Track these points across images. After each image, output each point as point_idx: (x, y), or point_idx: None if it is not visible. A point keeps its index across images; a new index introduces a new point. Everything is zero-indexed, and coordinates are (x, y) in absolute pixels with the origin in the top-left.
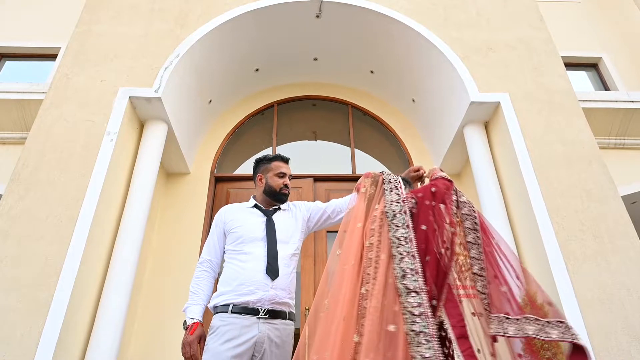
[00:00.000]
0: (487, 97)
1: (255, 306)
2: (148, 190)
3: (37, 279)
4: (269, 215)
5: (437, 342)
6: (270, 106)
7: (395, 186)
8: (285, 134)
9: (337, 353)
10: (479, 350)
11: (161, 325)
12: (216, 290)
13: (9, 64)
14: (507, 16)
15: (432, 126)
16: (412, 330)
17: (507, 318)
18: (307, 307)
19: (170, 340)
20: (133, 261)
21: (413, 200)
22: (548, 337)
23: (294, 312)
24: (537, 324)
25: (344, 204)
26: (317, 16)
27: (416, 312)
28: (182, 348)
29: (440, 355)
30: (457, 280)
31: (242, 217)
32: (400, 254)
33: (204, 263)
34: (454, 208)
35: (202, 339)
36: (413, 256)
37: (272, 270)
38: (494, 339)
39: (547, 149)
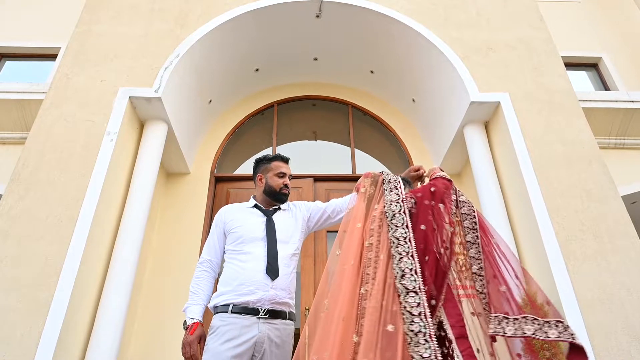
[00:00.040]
0: (487, 97)
1: (255, 306)
2: (148, 190)
3: (37, 279)
4: (269, 215)
5: (435, 342)
6: (270, 106)
7: (395, 186)
8: (285, 134)
9: (336, 353)
10: (478, 350)
11: (161, 325)
12: (216, 290)
13: (9, 64)
14: (507, 16)
15: (432, 126)
16: (411, 330)
17: (506, 318)
18: (307, 307)
19: (170, 340)
20: (133, 261)
21: (412, 200)
22: (546, 337)
23: (294, 312)
24: (536, 323)
25: (344, 203)
26: (317, 16)
27: (415, 312)
28: (182, 348)
29: (439, 355)
30: (456, 280)
31: (242, 217)
32: (399, 254)
33: (204, 263)
34: (453, 207)
35: (202, 339)
36: (412, 256)
37: (272, 270)
38: (493, 338)
39: (547, 149)
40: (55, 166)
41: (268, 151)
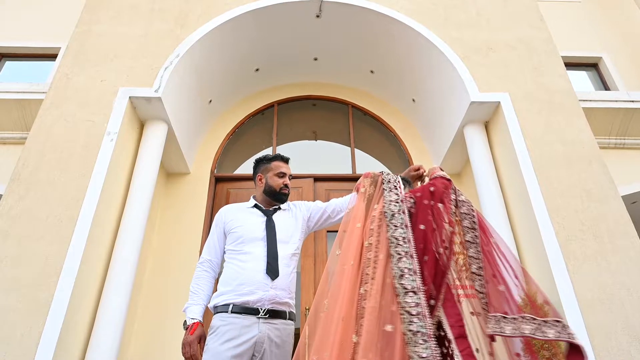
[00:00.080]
0: (487, 97)
1: (255, 306)
2: (148, 190)
3: (37, 279)
4: (269, 215)
5: (434, 342)
6: (270, 106)
7: (395, 186)
8: (286, 134)
9: (336, 353)
10: (477, 350)
11: (161, 325)
12: (216, 290)
13: (9, 64)
14: (507, 16)
15: (433, 126)
16: (410, 330)
17: (504, 317)
18: (307, 307)
19: (170, 340)
20: (133, 261)
21: (412, 200)
22: (544, 337)
23: (294, 312)
24: (534, 323)
25: (344, 203)
26: (317, 16)
27: (414, 312)
28: (182, 348)
29: (438, 355)
30: (456, 280)
31: (242, 217)
32: (399, 254)
33: (204, 263)
34: (453, 207)
35: (202, 339)
36: (411, 256)
37: (272, 270)
38: (492, 338)
39: (547, 149)
40: (55, 166)
41: (268, 151)
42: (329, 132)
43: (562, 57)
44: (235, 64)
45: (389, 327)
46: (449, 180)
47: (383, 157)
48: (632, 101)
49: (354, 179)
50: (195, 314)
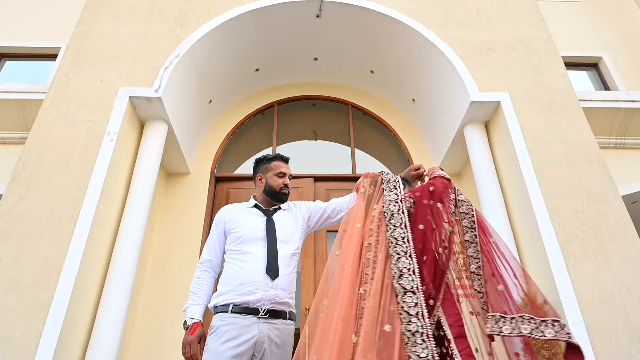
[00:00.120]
0: (487, 96)
1: (255, 306)
2: (148, 190)
3: (37, 279)
4: (269, 215)
5: (433, 342)
6: (270, 106)
7: (394, 186)
8: (286, 134)
9: (335, 353)
10: (476, 350)
11: (161, 325)
12: (216, 290)
13: (9, 64)
14: (507, 16)
15: (433, 126)
16: (408, 330)
17: (503, 317)
18: (307, 307)
19: (170, 340)
20: (133, 261)
21: (411, 200)
22: (542, 336)
23: (294, 311)
24: (532, 323)
25: (344, 203)
26: (317, 16)
27: (412, 312)
28: (182, 348)
29: (436, 355)
30: (456, 280)
31: (242, 217)
32: (397, 254)
33: (204, 263)
34: (452, 207)
35: (202, 339)
36: (410, 256)
37: (272, 270)
38: (491, 338)
39: (548, 149)
40: (56, 166)
41: (268, 151)
42: (329, 132)
43: (562, 57)
44: (235, 64)
45: (387, 327)
46: (448, 179)
47: (383, 157)
48: (632, 101)
49: (354, 179)
50: (195, 314)
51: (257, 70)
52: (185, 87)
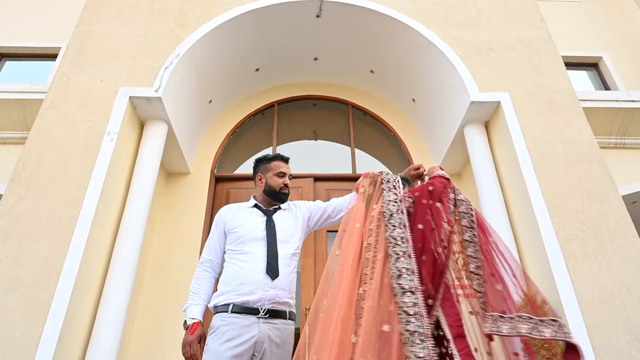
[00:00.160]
0: (488, 96)
1: (255, 306)
2: (148, 190)
3: (37, 279)
4: (269, 215)
5: (431, 342)
6: (270, 106)
7: (394, 185)
8: (286, 134)
9: (335, 353)
10: (476, 350)
11: (161, 325)
12: (216, 290)
13: (9, 64)
14: (507, 16)
15: (433, 126)
16: (407, 330)
17: (502, 317)
18: (307, 307)
19: (170, 340)
20: (133, 261)
21: (410, 200)
22: (541, 336)
23: (294, 311)
24: (531, 322)
25: (344, 203)
26: (318, 16)
27: (411, 312)
28: (182, 348)
29: (435, 355)
30: (455, 280)
31: (242, 217)
32: (397, 254)
33: (204, 263)
34: (452, 206)
35: (202, 339)
36: (409, 256)
37: (272, 270)
38: (490, 337)
39: (548, 149)
40: (56, 166)
41: (268, 151)
42: (329, 132)
43: (562, 57)
44: (236, 64)
45: (386, 327)
46: (447, 179)
47: (383, 157)
48: (633, 101)
49: (354, 178)
50: (195, 314)
51: (257, 70)
52: (185, 87)
